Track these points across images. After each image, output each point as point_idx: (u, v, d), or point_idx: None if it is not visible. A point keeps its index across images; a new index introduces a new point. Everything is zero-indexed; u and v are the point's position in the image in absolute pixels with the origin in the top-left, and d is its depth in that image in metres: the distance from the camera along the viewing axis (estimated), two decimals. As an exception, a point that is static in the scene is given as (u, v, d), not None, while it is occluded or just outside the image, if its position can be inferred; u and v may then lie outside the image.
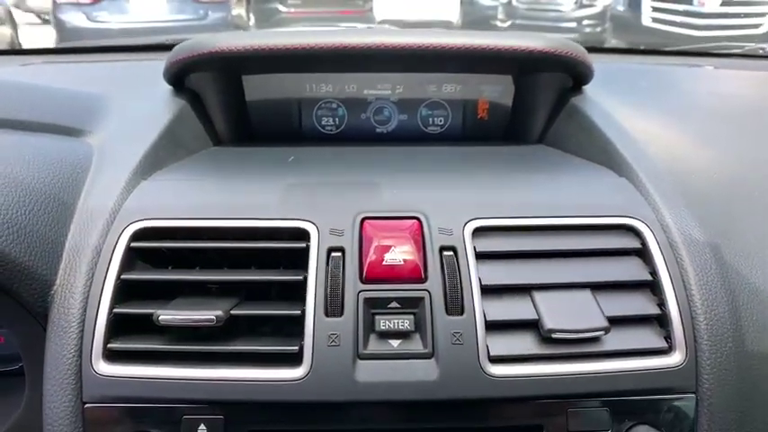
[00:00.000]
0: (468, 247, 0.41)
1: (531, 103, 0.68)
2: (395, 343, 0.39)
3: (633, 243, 0.44)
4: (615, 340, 0.40)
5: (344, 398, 0.37)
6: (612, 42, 5.76)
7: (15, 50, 1.03)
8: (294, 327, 0.39)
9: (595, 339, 0.39)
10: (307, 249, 0.41)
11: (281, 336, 0.39)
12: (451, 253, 0.41)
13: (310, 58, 0.62)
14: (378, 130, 0.73)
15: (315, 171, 0.53)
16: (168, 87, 0.66)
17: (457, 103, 0.72)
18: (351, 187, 0.47)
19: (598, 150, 0.56)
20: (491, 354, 0.38)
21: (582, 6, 6.43)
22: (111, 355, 0.39)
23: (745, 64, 0.95)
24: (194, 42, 0.60)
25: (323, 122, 0.72)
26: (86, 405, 0.38)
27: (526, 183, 0.50)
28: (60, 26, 5.33)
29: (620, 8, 5.62)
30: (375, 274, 0.40)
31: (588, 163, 0.55)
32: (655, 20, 5.20)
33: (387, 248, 0.40)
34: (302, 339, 0.38)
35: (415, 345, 0.39)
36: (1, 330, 0.56)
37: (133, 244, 0.41)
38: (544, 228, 0.43)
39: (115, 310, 0.39)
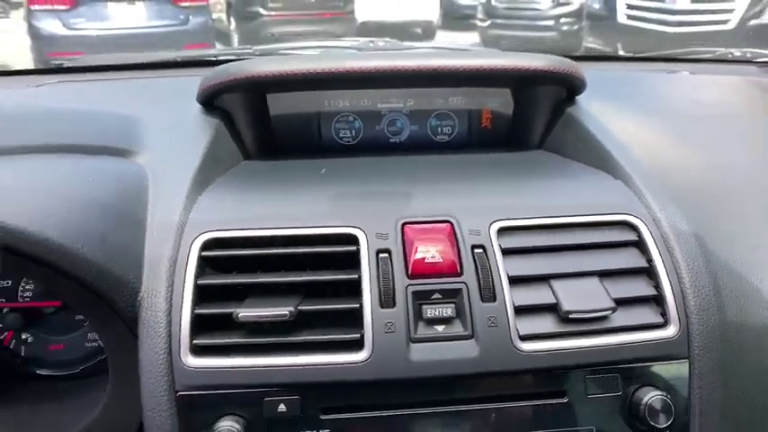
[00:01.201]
0: (495, 245, 0.48)
1: (530, 113, 0.75)
2: (440, 328, 0.45)
3: (631, 236, 0.51)
4: (621, 318, 0.47)
5: (402, 375, 0.44)
6: (589, 40, 5.86)
7: (23, 71, 1.06)
8: (353, 318, 0.46)
9: (604, 318, 0.47)
10: (357, 252, 0.47)
11: (342, 326, 0.46)
12: (481, 250, 0.48)
13: (332, 78, 0.69)
14: (391, 140, 0.79)
15: (349, 182, 0.60)
16: (197, 106, 0.72)
17: (462, 113, 0.79)
18: (389, 196, 0.53)
19: (594, 156, 0.64)
20: (520, 333, 0.45)
21: (559, 5, 6.54)
22: (197, 350, 0.45)
23: (717, 68, 1.04)
24: (230, 68, 0.66)
25: (341, 134, 0.79)
26: (178, 393, 0.44)
27: (538, 187, 0.58)
28: (35, 33, 5.19)
29: (596, 6, 5.73)
30: (419, 271, 0.46)
31: (587, 167, 0.63)
32: (630, 17, 5.31)
33: (426, 248, 0.47)
34: (362, 328, 0.45)
35: (457, 328, 0.46)
36: (65, 338, 0.62)
37: (203, 253, 0.47)
38: (557, 226, 0.51)
39: (196, 312, 0.45)
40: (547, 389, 0.45)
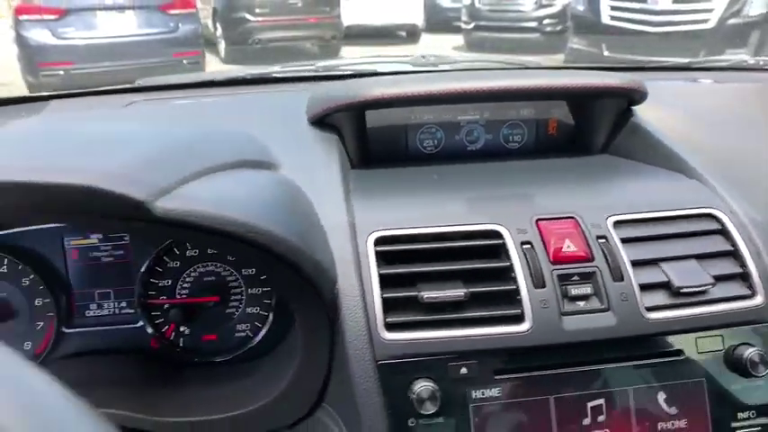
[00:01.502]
0: (615, 236, 0.59)
1: (595, 122, 0.86)
2: (581, 303, 0.56)
3: (716, 226, 0.62)
4: (718, 291, 0.58)
5: (557, 341, 0.54)
6: (574, 41, 5.98)
7: (96, 91, 1.13)
8: (507, 297, 0.56)
9: (706, 291, 0.58)
10: (504, 244, 0.58)
11: (498, 304, 0.56)
12: (605, 240, 0.58)
13: (431, 97, 0.79)
14: (468, 148, 0.89)
15: (467, 185, 0.70)
16: (303, 122, 0.81)
17: (531, 123, 0.89)
18: (517, 198, 0.64)
19: (663, 159, 0.74)
20: (645, 305, 0.56)
21: (541, 7, 6.68)
22: (389, 327, 0.54)
23: (740, 76, 1.17)
24: (347, 90, 0.75)
25: (425, 144, 0.88)
26: (379, 362, 0.53)
27: (631, 186, 0.69)
28: (24, 43, 5.14)
29: (580, 8, 5.85)
30: (559, 258, 0.57)
31: (660, 169, 0.74)
32: (613, 18, 5.45)
33: (562, 240, 0.57)
34: (521, 305, 0.55)
35: (595, 303, 0.56)
36: (217, 330, 0.71)
37: (376, 248, 0.57)
38: (657, 218, 0.61)
39: (384, 296, 0.55)
40: (667, 349, 0.56)
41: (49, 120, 0.88)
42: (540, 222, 0.59)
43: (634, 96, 0.81)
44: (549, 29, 6.78)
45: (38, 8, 5.18)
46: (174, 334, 0.70)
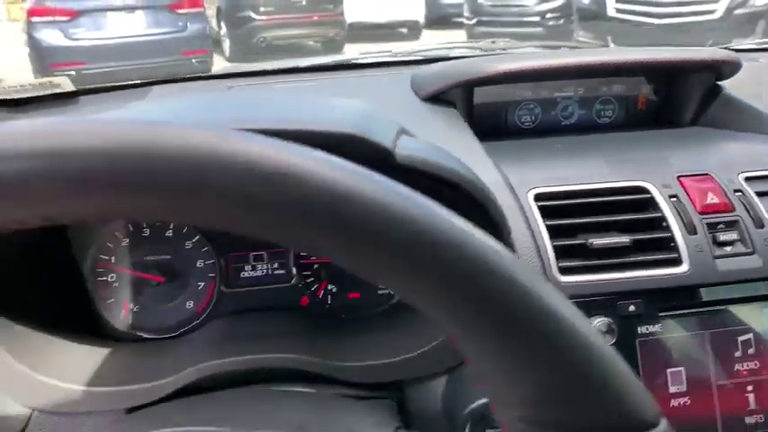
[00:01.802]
0: (751, 189, 0.65)
1: (686, 96, 0.92)
2: (728, 248, 0.62)
3: None
4: None
5: (713, 281, 0.60)
6: (580, 34, 6.04)
7: (190, 77, 1.18)
8: (664, 243, 0.62)
9: None
10: (652, 198, 0.64)
11: (653, 250, 0.62)
12: (741, 193, 0.65)
13: (544, 73, 0.85)
14: (563, 123, 0.95)
15: (595, 151, 0.76)
16: (413, 100, 0.86)
17: (622, 98, 0.95)
18: (652, 159, 0.70)
19: (761, 125, 0.81)
20: None
21: (544, 1, 6.72)
22: (563, 270, 0.61)
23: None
24: (466, 67, 0.81)
25: (522, 119, 0.94)
26: None
27: (747, 148, 0.75)
28: (35, 45, 5.17)
29: (586, 1, 5.90)
30: (705, 209, 0.63)
31: (760, 134, 0.80)
32: (618, 10, 5.52)
33: (704, 193, 0.64)
34: (677, 250, 0.61)
35: (741, 248, 0.62)
36: (362, 288, 0.76)
37: (537, 203, 0.63)
38: None
39: (554, 244, 0.61)
40: None
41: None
42: (681, 178, 0.65)
43: (726, 70, 0.87)
44: (551, 23, 6.82)
45: (51, 10, 5.21)
46: (322, 293, 0.76)
